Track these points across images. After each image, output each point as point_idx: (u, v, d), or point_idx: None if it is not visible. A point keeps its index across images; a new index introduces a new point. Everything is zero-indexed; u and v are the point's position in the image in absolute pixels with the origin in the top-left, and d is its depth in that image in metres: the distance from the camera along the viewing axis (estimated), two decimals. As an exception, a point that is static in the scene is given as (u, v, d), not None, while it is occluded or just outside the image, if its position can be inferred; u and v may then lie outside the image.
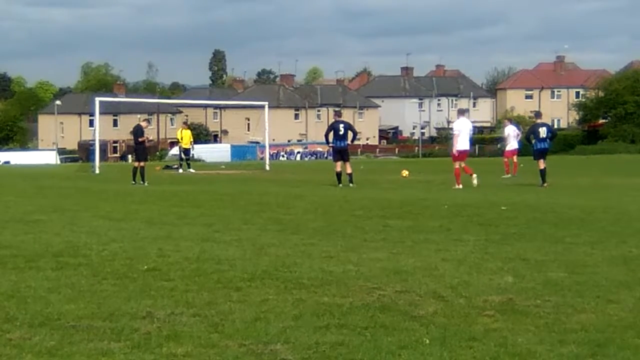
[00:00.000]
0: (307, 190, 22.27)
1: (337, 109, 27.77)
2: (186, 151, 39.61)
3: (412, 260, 9.59)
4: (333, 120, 25.02)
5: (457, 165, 23.37)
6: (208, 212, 15.60)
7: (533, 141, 24.87)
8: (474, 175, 23.19)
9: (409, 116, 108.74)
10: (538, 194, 20.91)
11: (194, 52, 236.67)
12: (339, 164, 24.04)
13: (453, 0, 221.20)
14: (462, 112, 25.40)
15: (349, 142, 24.24)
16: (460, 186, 22.80)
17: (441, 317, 6.84)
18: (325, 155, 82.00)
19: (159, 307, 7.10)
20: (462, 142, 23.46)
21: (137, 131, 27.06)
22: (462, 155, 23.59)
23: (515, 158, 31.66)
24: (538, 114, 27.26)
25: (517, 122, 45.41)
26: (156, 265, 9.20)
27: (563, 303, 7.37)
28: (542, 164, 24.35)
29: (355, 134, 24.69)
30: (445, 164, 50.53)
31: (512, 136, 32.22)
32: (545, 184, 23.96)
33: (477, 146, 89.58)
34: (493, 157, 70.01)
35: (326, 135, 24.75)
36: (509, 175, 30.15)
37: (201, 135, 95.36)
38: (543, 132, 24.79)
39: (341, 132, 24.01)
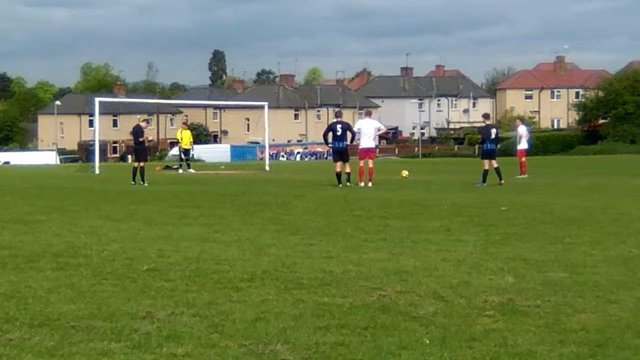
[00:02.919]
0: (307, 190, 22.26)
1: (337, 109, 28.16)
2: (186, 151, 39.63)
3: (412, 261, 9.60)
4: (334, 120, 25.23)
5: (361, 163, 24.58)
6: (208, 212, 15.59)
7: (485, 142, 25.57)
8: (370, 184, 23.93)
9: (408, 116, 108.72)
10: (541, 194, 20.92)
11: (193, 52, 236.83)
12: (339, 164, 24.08)
13: (453, 0, 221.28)
14: (367, 114, 26.58)
15: (348, 142, 24.34)
16: (362, 184, 23.87)
17: (441, 318, 6.84)
18: (325, 156, 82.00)
19: (159, 308, 7.10)
20: (363, 141, 24.63)
21: (137, 131, 27.04)
22: (362, 153, 24.65)
23: (524, 158, 31.79)
24: (487, 116, 27.88)
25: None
26: (156, 265, 9.20)
27: (563, 303, 7.37)
28: (491, 164, 25.09)
29: (353, 134, 24.75)
30: (446, 164, 50.54)
31: (523, 136, 32.37)
32: (499, 183, 24.61)
33: (476, 146, 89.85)
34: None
35: (324, 136, 25.00)
36: (525, 176, 30.32)
37: (201, 135, 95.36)
38: (493, 133, 25.66)
39: (339, 133, 24.12)
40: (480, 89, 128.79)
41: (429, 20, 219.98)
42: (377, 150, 28.79)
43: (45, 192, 21.79)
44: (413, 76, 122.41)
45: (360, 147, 24.66)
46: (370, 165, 24.33)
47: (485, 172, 24.95)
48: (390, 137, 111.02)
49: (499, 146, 26.49)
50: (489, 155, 25.26)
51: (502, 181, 24.76)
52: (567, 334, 6.34)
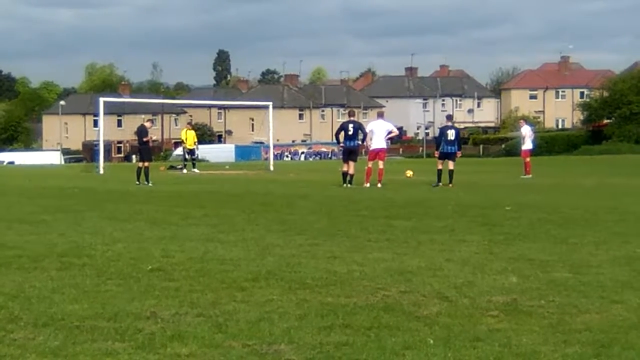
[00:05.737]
0: (312, 190, 22.27)
1: (350, 108, 28.47)
2: (191, 152, 39.69)
3: (417, 261, 9.59)
4: (346, 119, 25.35)
5: (370, 164, 24.43)
6: (212, 212, 15.59)
7: (442, 144, 25.44)
8: (379, 185, 23.74)
9: (413, 116, 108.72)
10: (545, 195, 20.89)
11: (198, 52, 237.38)
12: (347, 164, 24.13)
13: (458, 0, 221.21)
14: (380, 115, 26.36)
15: (359, 142, 24.43)
16: (367, 185, 23.66)
17: (445, 318, 6.83)
18: (330, 156, 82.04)
19: (163, 308, 7.10)
20: (374, 141, 24.58)
21: (141, 131, 27.08)
22: (372, 154, 24.60)
23: (528, 158, 31.81)
24: (449, 117, 27.85)
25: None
26: (160, 265, 9.20)
27: (567, 303, 7.36)
28: (441, 165, 25.06)
29: (365, 134, 24.77)
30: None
31: (527, 136, 32.38)
32: (447, 184, 24.53)
33: (481, 146, 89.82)
34: (497, 157, 69.99)
35: (336, 135, 25.13)
36: (529, 176, 30.33)
37: (205, 135, 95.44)
38: (451, 134, 25.41)
39: (350, 132, 24.22)
40: (484, 89, 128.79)
41: (434, 20, 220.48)
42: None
43: (50, 192, 21.80)
44: (417, 76, 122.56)
45: (371, 147, 24.59)
46: (381, 166, 24.27)
47: (446, 172, 24.86)
48: (395, 137, 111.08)
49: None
50: (445, 156, 25.18)
51: (451, 184, 24.39)
52: (572, 334, 6.33)
